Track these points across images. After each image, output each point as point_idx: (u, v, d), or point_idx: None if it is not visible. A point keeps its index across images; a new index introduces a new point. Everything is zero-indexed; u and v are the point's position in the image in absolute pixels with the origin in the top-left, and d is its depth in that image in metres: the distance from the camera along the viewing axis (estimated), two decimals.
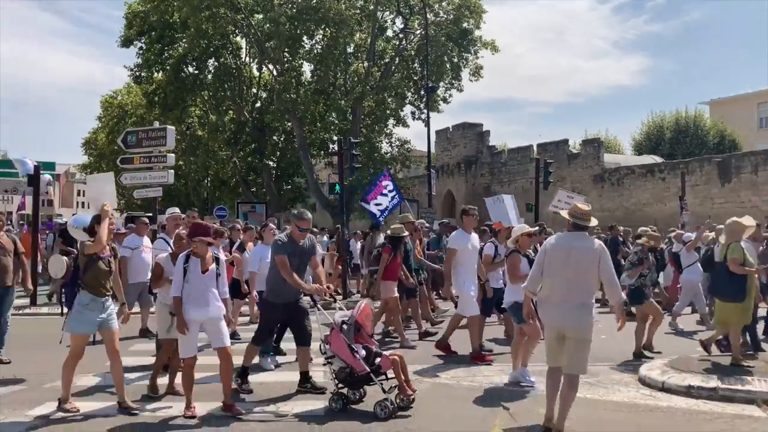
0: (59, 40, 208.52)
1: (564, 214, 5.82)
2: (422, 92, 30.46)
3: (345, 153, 18.89)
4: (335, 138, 29.85)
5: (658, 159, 35.46)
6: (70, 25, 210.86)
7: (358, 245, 16.50)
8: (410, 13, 31.17)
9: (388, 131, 33.62)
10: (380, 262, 9.93)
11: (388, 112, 32.30)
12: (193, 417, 5.82)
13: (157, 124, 19.74)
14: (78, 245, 9.81)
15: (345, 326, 6.21)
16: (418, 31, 31.18)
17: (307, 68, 33.21)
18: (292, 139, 34.22)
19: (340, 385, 6.23)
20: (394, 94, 32.01)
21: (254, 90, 35.71)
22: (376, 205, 14.20)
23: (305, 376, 6.88)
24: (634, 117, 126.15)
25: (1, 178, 25.77)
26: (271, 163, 35.90)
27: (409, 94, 33.21)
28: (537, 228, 9.20)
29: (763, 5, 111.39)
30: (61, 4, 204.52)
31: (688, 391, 6.84)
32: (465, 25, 31.04)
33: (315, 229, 16.83)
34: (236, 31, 31.79)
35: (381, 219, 14.85)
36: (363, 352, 6.20)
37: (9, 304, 8.49)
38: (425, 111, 28.92)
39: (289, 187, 37.49)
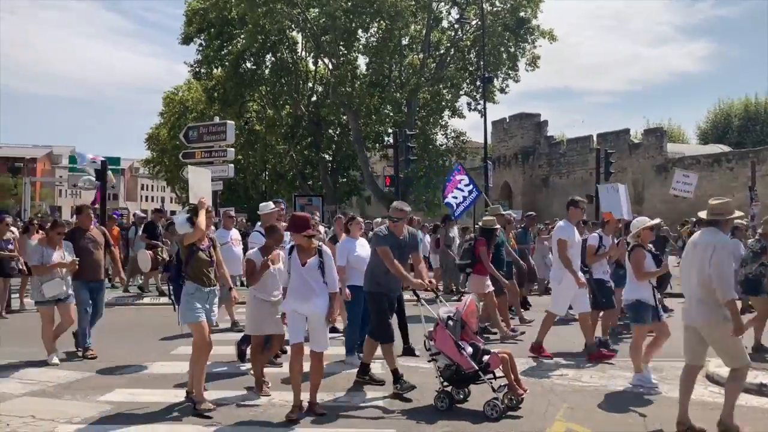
0: (123, 38, 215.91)
1: (701, 214, 5.68)
2: (478, 83, 30.14)
3: (400, 145, 18.91)
4: (390, 130, 29.91)
5: (725, 148, 34.18)
6: (133, 24, 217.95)
7: (427, 238, 16.10)
8: (466, 3, 30.83)
9: (443, 123, 33.43)
10: (478, 256, 9.37)
11: (443, 103, 32.08)
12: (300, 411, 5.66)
13: (217, 120, 20.18)
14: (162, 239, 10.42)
15: (450, 322, 5.97)
16: (474, 22, 30.81)
17: (362, 61, 33.32)
18: (347, 132, 34.43)
19: (445, 383, 5.96)
20: (450, 86, 31.77)
21: (310, 84, 36.08)
22: (453, 198, 13.89)
23: (396, 375, 6.49)
24: (700, 105, 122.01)
25: (71, 173, 26.92)
26: (326, 156, 36.25)
27: (465, 85, 32.88)
28: (658, 221, 8.56)
29: None
30: (125, 4, 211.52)
31: (760, 389, 6.57)
32: (522, 14, 30.50)
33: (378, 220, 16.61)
34: (292, 25, 32.13)
35: (459, 214, 14.54)
36: (470, 350, 5.95)
37: (103, 296, 8.48)
38: (481, 102, 28.62)
39: (345, 179, 37.79)
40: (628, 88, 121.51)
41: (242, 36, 32.00)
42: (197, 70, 35.09)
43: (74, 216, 8.65)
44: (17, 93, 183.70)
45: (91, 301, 8.07)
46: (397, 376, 6.44)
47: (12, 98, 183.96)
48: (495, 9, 30.60)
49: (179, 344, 8.60)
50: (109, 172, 16.61)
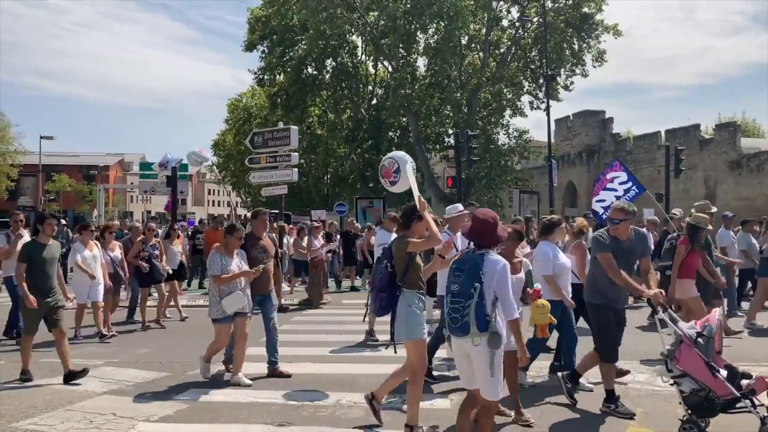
0: (188, 47, 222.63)
1: None
2: (540, 81, 29.68)
3: (462, 146, 18.81)
4: (450, 131, 29.78)
5: None
6: (198, 33, 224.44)
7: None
8: (527, 1, 30.43)
9: (504, 122, 33.08)
10: (675, 256, 8.17)
11: (504, 102, 31.75)
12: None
13: (281, 125, 20.52)
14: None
15: (700, 339, 5.12)
16: (535, 19, 30.37)
17: (421, 63, 33.37)
18: (407, 134, 34.50)
19: (689, 411, 5.17)
20: (511, 85, 31.40)
21: (370, 87, 36.33)
22: (599, 202, 11.82)
23: (612, 395, 5.92)
24: None
25: (142, 179, 27.92)
26: None
27: (527, 83, 32.46)
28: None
29: None
30: (190, 14, 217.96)
31: None
32: (585, 9, 29.90)
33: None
34: (352, 30, 32.47)
35: (605, 217, 11.97)
36: (724, 372, 5.08)
37: (272, 308, 7.43)
38: (544, 100, 28.18)
39: None
40: (699, 81, 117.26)
41: (303, 42, 32.54)
42: (260, 76, 35.87)
43: (248, 221, 7.97)
44: (92, 103, 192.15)
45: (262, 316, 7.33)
46: (612, 397, 5.91)
47: (87, 108, 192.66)
48: (557, 5, 30.10)
49: (251, 345, 8.81)
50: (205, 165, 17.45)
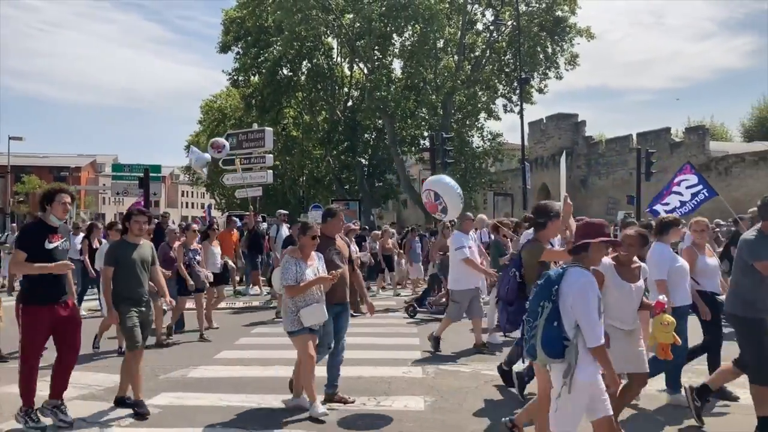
0: (163, 47, 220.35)
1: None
2: (514, 84, 29.96)
3: (437, 148, 18.90)
4: (426, 134, 29.90)
5: None
6: (173, 33, 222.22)
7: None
8: (501, 5, 30.70)
9: (479, 125, 33.31)
10: None
11: (479, 105, 31.97)
12: None
13: (255, 126, 20.45)
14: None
15: None
16: (509, 23, 30.64)
17: (397, 65, 33.47)
18: (383, 136, 34.55)
19: None
20: (485, 88, 31.64)
21: (346, 89, 36.32)
22: (663, 205, 11.34)
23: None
24: (744, 102, 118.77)
25: (114, 181, 27.54)
26: (363, 160, 36.43)
27: (501, 86, 32.74)
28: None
29: None
30: (164, 14, 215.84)
31: None
32: (558, 13, 30.26)
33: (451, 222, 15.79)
34: (328, 31, 32.42)
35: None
36: None
37: (347, 323, 6.32)
38: (518, 103, 28.45)
39: (381, 183, 37.90)
40: (670, 85, 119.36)
41: (278, 43, 32.41)
42: (235, 77, 35.63)
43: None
44: (64, 103, 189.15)
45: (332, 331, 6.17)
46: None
47: (59, 109, 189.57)
48: (530, 9, 30.40)
49: (222, 348, 8.74)
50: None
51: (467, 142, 32.45)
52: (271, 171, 17.44)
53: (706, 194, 11.29)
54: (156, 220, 12.61)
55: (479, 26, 32.87)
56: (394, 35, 31.29)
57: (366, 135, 36.41)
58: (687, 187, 11.36)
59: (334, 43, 35.08)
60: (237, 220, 15.12)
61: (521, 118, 26.84)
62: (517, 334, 5.97)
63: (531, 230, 5.78)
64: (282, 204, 39.92)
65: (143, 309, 5.95)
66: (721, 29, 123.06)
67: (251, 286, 15.05)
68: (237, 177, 17.54)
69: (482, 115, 32.95)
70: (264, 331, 10.31)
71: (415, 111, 32.26)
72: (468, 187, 31.29)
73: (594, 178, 38.33)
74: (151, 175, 18.89)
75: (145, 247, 6.13)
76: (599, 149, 38.54)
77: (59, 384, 5.46)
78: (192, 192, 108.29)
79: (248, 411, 5.97)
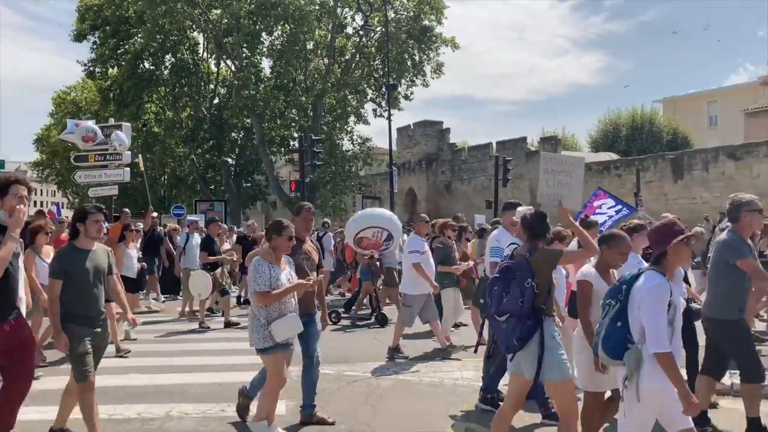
0: (10, 32, 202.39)
1: None
2: (383, 89, 30.50)
3: (306, 150, 18.81)
4: (296, 135, 29.69)
5: (614, 156, 36.17)
6: (23, 18, 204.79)
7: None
8: (370, 10, 31.16)
9: (349, 129, 33.59)
10: None
11: (349, 109, 32.24)
12: None
13: (112, 121, 19.30)
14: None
15: None
16: (378, 28, 31.17)
17: (266, 64, 32.99)
18: (251, 135, 33.90)
19: None
20: (355, 92, 31.97)
21: (212, 86, 35.25)
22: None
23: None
24: (592, 115, 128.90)
25: None
26: (229, 160, 35.53)
27: (370, 91, 33.23)
28: None
29: (713, 7, 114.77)
30: None
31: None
32: (425, 22, 31.18)
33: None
34: (193, 26, 31.32)
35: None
36: None
37: (318, 335, 5.72)
38: (387, 108, 28.99)
39: (249, 184, 37.15)
40: (528, 97, 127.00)
41: (140, 35, 30.86)
42: (91, 69, 33.47)
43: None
44: None
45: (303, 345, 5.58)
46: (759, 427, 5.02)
47: None
48: (399, 16, 31.12)
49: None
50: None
51: (337, 145, 32.61)
52: (128, 168, 16.48)
53: (627, 211, 11.90)
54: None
55: (349, 30, 33.20)
56: (263, 34, 30.83)
57: (233, 134, 35.53)
58: (608, 208, 11.72)
59: (200, 38, 33.94)
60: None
61: (389, 123, 27.41)
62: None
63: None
64: (142, 204, 37.96)
65: (98, 330, 4.84)
66: (575, 47, 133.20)
67: (150, 292, 13.92)
68: (91, 174, 16.43)
69: (352, 118, 33.26)
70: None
71: (285, 111, 31.95)
72: (338, 189, 31.46)
73: (457, 184, 39.89)
74: None
75: (100, 253, 4.97)
76: (462, 156, 40.17)
77: (4, 425, 4.36)
78: (42, 190, 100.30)
79: (106, 420, 5.59)
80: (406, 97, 32.50)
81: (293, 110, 31.35)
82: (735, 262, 4.97)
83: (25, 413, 4.83)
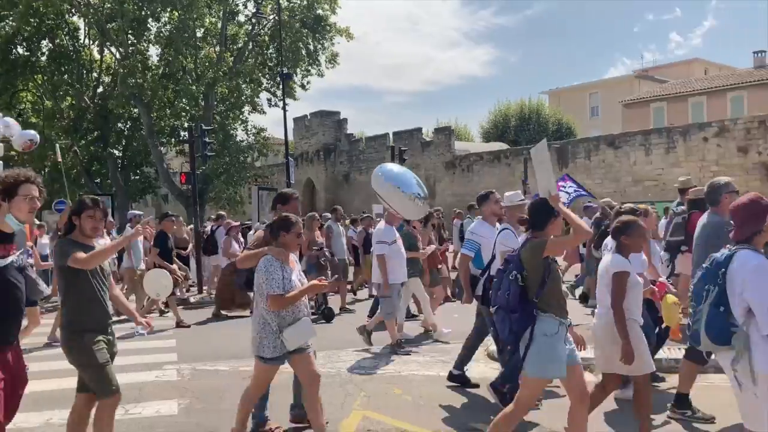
0: None
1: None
2: (278, 79, 30.02)
3: (196, 140, 18.17)
4: (187, 125, 28.64)
5: (503, 146, 37.59)
6: None
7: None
8: None
9: (243, 118, 32.80)
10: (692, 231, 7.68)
11: (242, 98, 31.49)
12: None
13: None
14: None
15: None
16: (271, 16, 30.61)
17: (153, 52, 31.58)
18: (139, 126, 32.40)
19: None
20: (249, 81, 31.27)
21: (95, 74, 33.33)
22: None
23: None
24: (483, 106, 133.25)
25: None
26: (116, 152, 33.79)
27: (265, 80, 32.60)
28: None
29: (593, 3, 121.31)
30: None
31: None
32: (319, 11, 30.92)
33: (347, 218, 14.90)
34: (72, 10, 29.45)
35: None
36: None
37: None
38: (282, 98, 28.56)
39: (138, 177, 35.52)
40: (423, 88, 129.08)
41: (11, 18, 28.64)
42: None
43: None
44: None
45: None
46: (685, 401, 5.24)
47: None
48: (291, 4, 30.68)
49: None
50: None
51: (231, 135, 31.79)
52: (1, 162, 15.32)
53: (577, 193, 12.71)
54: None
55: (241, 18, 32.35)
56: (150, 20, 29.45)
57: (119, 124, 33.78)
58: (567, 191, 12.71)
59: (81, 23, 31.97)
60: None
61: (284, 113, 27.00)
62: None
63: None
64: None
65: (111, 338, 4.34)
66: (466, 40, 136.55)
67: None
68: None
69: (246, 108, 32.51)
70: None
71: (175, 101, 30.74)
72: (233, 181, 30.73)
73: (356, 174, 40.05)
74: None
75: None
76: (360, 146, 40.35)
77: None
78: None
79: None
80: (302, 87, 32.18)
81: (183, 99, 30.20)
82: (725, 245, 5.09)
83: None
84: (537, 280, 4.11)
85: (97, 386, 4.20)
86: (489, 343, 8.20)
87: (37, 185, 3.89)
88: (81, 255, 4.08)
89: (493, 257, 5.89)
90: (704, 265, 3.65)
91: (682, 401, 5.28)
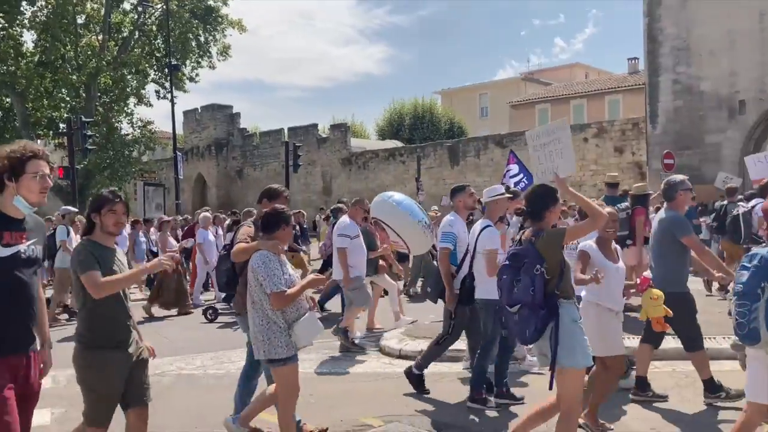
0: None
1: None
2: (166, 70, 28.85)
3: (76, 133, 17.15)
4: (66, 117, 26.95)
5: (398, 144, 38.09)
6: None
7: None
8: None
9: (128, 111, 31.25)
10: (639, 226, 8.56)
11: (128, 90, 30.03)
12: None
13: None
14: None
15: None
16: (158, 5, 29.36)
17: (28, 37, 29.51)
18: (12, 116, 30.10)
19: None
20: (135, 71, 29.86)
21: None
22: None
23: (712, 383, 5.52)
24: (379, 104, 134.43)
25: None
26: None
27: (152, 71, 31.25)
28: None
29: (482, 6, 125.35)
30: None
31: None
32: (210, 2, 30.05)
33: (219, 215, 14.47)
34: None
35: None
36: None
37: None
38: (170, 90, 27.46)
39: None
40: (318, 84, 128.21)
41: None
42: None
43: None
44: None
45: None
46: (714, 385, 5.42)
47: None
48: None
49: None
50: None
51: (115, 128, 30.22)
52: None
53: (526, 182, 11.87)
54: None
55: (126, 5, 30.81)
56: (24, 3, 27.45)
57: None
58: (511, 177, 11.87)
59: None
60: None
61: (172, 105, 26.04)
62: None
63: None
64: None
65: (130, 351, 3.86)
66: (361, 37, 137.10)
67: None
68: None
69: (132, 100, 31.03)
70: None
71: (53, 91, 28.86)
72: (117, 176, 29.26)
73: (249, 169, 39.27)
74: None
75: (120, 254, 3.98)
76: (254, 141, 39.60)
77: None
78: None
79: None
80: (192, 79, 31.10)
81: (63, 90, 28.41)
82: (681, 238, 5.33)
83: None
84: (556, 270, 3.96)
85: (88, 411, 3.91)
86: (384, 339, 8.30)
87: (46, 160, 3.33)
88: (99, 279, 3.61)
89: (466, 253, 5.83)
90: (747, 264, 3.61)
91: (642, 384, 5.55)
